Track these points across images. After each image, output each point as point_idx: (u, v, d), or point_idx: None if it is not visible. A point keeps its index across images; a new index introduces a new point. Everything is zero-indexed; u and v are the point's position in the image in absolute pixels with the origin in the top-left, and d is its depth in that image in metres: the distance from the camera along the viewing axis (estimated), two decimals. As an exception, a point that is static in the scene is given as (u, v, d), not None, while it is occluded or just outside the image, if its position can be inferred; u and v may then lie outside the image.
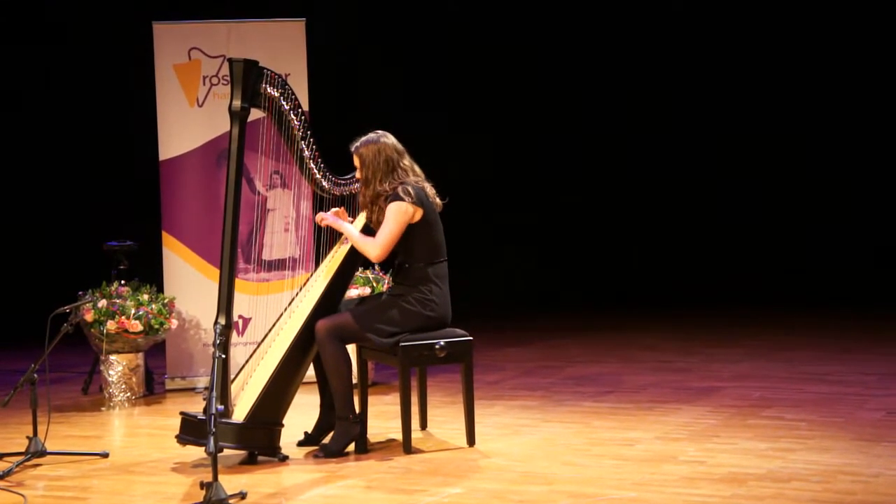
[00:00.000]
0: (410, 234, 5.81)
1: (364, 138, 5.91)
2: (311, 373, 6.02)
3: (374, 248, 5.82)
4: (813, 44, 11.64)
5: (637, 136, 12.32)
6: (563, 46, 12.38)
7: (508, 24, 12.37)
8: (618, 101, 12.30)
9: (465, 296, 7.16)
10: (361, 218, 6.06)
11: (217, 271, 5.91)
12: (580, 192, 12.48)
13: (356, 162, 5.91)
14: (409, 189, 5.79)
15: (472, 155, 12.11)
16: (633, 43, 12.24)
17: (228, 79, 5.87)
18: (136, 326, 7.35)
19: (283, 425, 5.81)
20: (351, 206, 6.14)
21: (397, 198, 5.76)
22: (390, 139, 5.91)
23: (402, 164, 5.87)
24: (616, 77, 12.30)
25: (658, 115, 12.22)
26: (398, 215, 5.76)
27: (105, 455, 5.93)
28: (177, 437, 5.73)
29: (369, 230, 5.98)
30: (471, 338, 5.90)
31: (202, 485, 4.77)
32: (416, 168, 5.94)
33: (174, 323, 7.61)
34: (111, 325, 7.31)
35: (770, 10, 11.75)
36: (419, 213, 5.80)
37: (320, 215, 6.03)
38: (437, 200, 5.92)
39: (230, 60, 5.83)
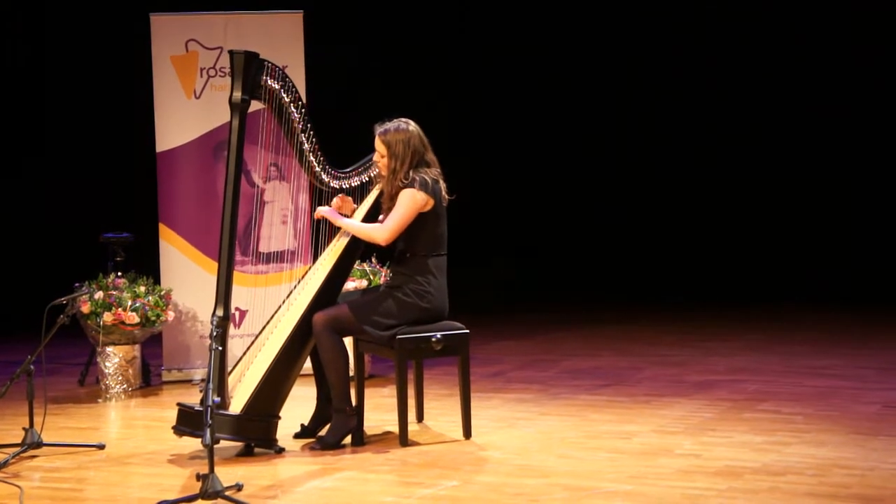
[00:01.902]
0: (417, 223, 5.80)
1: (392, 125, 5.86)
2: (308, 365, 6.02)
3: (383, 231, 5.80)
4: (824, 47, 11.65)
5: (638, 132, 12.31)
6: (562, 45, 12.37)
7: (506, 20, 12.36)
8: (617, 97, 12.30)
9: (463, 289, 7.16)
10: (368, 200, 6.05)
11: (214, 263, 5.91)
12: (580, 187, 12.48)
13: (381, 148, 5.86)
14: (426, 179, 5.79)
15: (473, 149, 12.10)
16: (631, 42, 12.24)
17: (226, 70, 5.89)
18: (133, 318, 7.35)
19: (279, 417, 5.81)
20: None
21: (412, 185, 5.76)
22: (417, 129, 5.88)
23: (426, 158, 5.86)
24: (618, 76, 12.29)
25: (659, 110, 12.21)
26: (411, 203, 5.76)
27: (101, 447, 5.93)
28: (173, 428, 5.74)
29: (376, 213, 5.97)
30: (467, 331, 5.91)
31: (199, 476, 4.77)
32: (435, 161, 5.93)
33: (171, 315, 7.61)
34: (108, 317, 7.31)
35: (783, 11, 11.74)
36: (430, 204, 5.80)
37: (318, 209, 6.01)
38: (446, 195, 5.91)
39: (231, 52, 5.82)
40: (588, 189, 12.48)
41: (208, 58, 7.92)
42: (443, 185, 5.89)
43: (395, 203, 5.83)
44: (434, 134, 6.05)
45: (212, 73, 7.91)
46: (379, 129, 5.87)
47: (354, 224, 5.95)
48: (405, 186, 5.78)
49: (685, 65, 12.10)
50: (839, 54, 11.57)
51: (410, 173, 5.79)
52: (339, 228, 6.09)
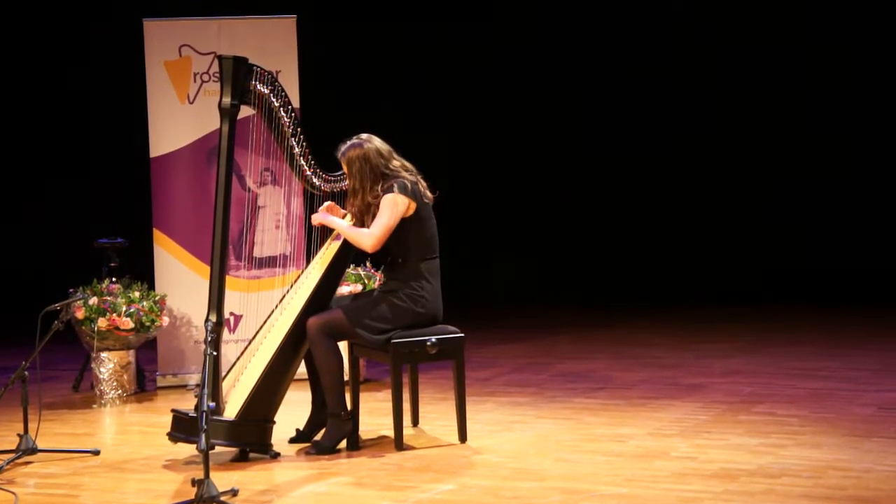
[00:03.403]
0: (404, 228, 5.80)
1: (349, 144, 5.87)
2: (302, 369, 6.01)
3: (369, 238, 5.79)
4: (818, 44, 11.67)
5: (631, 135, 12.32)
6: (559, 45, 12.38)
7: (505, 19, 12.36)
8: (612, 101, 12.30)
9: (458, 293, 7.16)
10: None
11: (208, 268, 5.91)
12: (572, 190, 12.48)
13: (344, 168, 5.90)
14: (405, 182, 5.78)
15: (466, 151, 12.10)
16: (629, 43, 12.25)
17: (219, 76, 5.87)
18: (128, 324, 7.34)
19: (274, 422, 5.81)
20: (342, 202, 6.13)
21: (391, 191, 5.76)
22: (375, 143, 5.86)
23: (390, 168, 5.83)
24: (613, 78, 12.29)
25: (652, 115, 12.22)
26: (393, 207, 5.75)
27: (96, 453, 5.92)
28: (168, 434, 5.73)
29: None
30: (462, 334, 5.90)
31: (194, 482, 4.77)
32: (407, 164, 5.92)
33: (165, 320, 7.61)
34: (102, 323, 7.30)
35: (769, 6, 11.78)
36: (413, 208, 5.79)
37: (314, 216, 6.02)
38: (429, 193, 5.91)
39: (219, 57, 5.82)
40: (584, 190, 12.48)
41: (202, 63, 7.91)
42: (422, 184, 5.89)
43: (369, 218, 5.81)
44: (429, 135, 6.05)
45: (205, 78, 7.91)
46: (339, 150, 5.88)
47: (345, 225, 5.94)
48: (384, 192, 5.77)
49: (684, 64, 12.11)
50: (838, 50, 11.59)
51: (378, 187, 5.78)
52: (331, 232, 6.09)
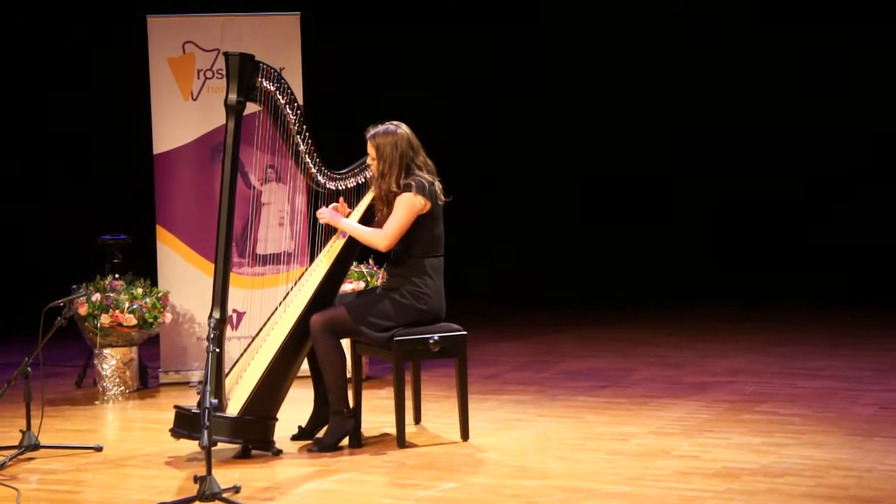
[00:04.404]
0: (415, 225, 5.80)
1: (382, 128, 5.87)
2: (305, 367, 6.02)
3: (383, 238, 5.81)
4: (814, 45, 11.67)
5: (634, 132, 12.32)
6: (559, 41, 12.38)
7: (512, 19, 12.36)
8: (615, 97, 12.30)
9: (460, 291, 7.16)
10: (364, 203, 6.05)
11: (211, 265, 5.91)
12: (575, 188, 12.48)
13: (371, 151, 5.88)
14: (423, 182, 5.79)
15: (469, 150, 12.10)
16: (625, 44, 12.25)
17: (223, 72, 5.88)
18: (130, 320, 7.35)
19: (277, 419, 5.81)
20: (347, 200, 6.13)
21: (409, 189, 5.76)
22: (406, 131, 5.87)
23: (416, 163, 5.85)
24: (616, 77, 12.29)
25: (656, 111, 12.22)
26: (409, 207, 5.76)
27: (99, 449, 5.93)
28: (171, 430, 5.73)
29: (371, 216, 5.98)
30: (465, 332, 5.90)
31: (196, 478, 4.77)
32: (430, 164, 5.92)
33: (168, 317, 7.61)
34: (105, 319, 7.30)
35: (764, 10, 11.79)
36: (428, 207, 5.80)
37: (320, 211, 6.02)
38: (442, 196, 5.91)
39: (226, 54, 5.82)
40: (583, 186, 12.48)
41: (205, 59, 7.91)
42: (438, 186, 5.89)
43: (386, 206, 5.83)
44: (432, 133, 6.05)
45: (209, 74, 7.91)
46: (369, 132, 5.88)
47: (355, 227, 5.94)
48: (402, 191, 5.78)
49: (680, 65, 12.11)
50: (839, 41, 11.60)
51: (401, 179, 5.78)
52: (336, 229, 6.09)
